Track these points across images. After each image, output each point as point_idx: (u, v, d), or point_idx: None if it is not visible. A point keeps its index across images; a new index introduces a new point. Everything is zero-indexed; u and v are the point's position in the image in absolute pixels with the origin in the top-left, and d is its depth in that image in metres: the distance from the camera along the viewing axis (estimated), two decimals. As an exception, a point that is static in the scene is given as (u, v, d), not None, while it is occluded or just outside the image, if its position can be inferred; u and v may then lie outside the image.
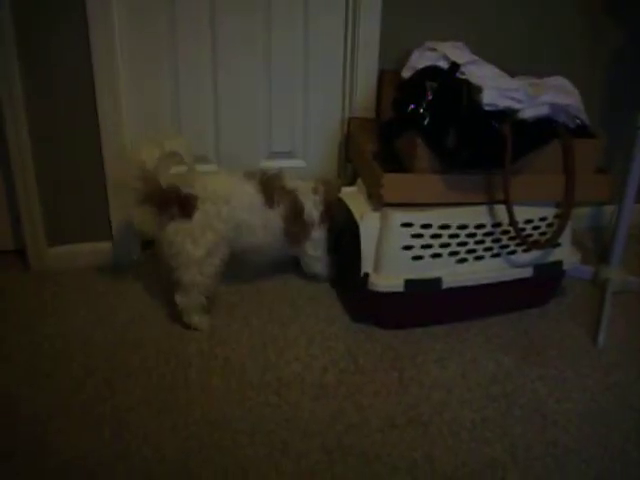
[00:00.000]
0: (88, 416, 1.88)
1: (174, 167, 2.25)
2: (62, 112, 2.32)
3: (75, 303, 2.35)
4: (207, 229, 2.18)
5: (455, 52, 2.28)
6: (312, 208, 2.39)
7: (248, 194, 2.28)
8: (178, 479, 1.72)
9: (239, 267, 2.39)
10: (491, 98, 2.05)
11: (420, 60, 2.28)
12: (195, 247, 2.16)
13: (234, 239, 2.25)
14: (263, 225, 2.30)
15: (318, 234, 2.43)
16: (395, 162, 2.18)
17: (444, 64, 2.22)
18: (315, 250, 2.45)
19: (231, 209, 2.22)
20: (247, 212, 2.26)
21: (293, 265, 2.55)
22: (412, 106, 2.10)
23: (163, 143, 2.17)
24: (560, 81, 2.30)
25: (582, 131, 2.23)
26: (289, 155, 2.64)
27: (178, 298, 2.22)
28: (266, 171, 2.37)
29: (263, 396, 1.98)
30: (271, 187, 2.31)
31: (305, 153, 2.65)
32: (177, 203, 2.16)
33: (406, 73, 2.28)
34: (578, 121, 2.22)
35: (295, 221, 2.36)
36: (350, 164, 2.61)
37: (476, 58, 2.29)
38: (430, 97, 2.10)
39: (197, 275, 2.19)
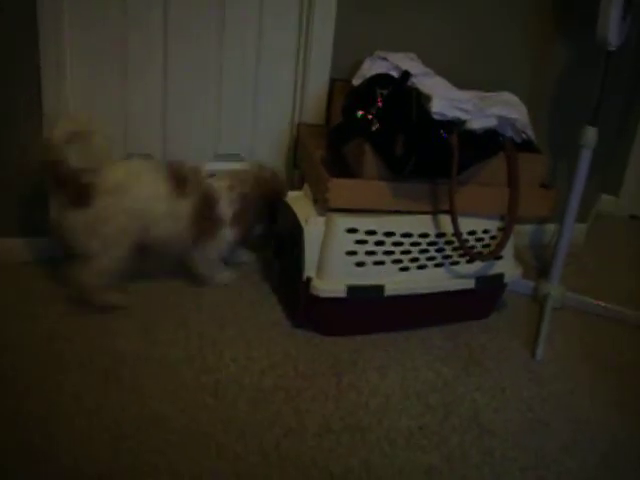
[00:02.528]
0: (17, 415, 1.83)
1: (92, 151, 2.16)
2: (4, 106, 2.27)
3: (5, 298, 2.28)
4: (106, 221, 2.12)
5: (407, 63, 2.29)
6: (226, 205, 2.31)
7: (153, 182, 2.20)
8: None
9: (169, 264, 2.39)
10: (440, 107, 2.07)
11: (371, 69, 2.29)
12: (90, 240, 2.12)
13: (141, 231, 2.19)
14: (169, 214, 2.21)
15: (226, 235, 2.33)
16: (343, 168, 2.18)
17: (395, 73, 2.23)
18: (214, 251, 2.35)
19: (131, 199, 2.15)
20: (149, 201, 2.18)
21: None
22: (361, 112, 2.11)
23: (71, 121, 2.13)
24: (508, 96, 2.33)
25: (528, 146, 2.27)
26: (237, 158, 2.60)
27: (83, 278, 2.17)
28: (185, 163, 2.30)
29: (199, 397, 1.94)
30: (183, 176, 2.24)
31: (253, 156, 2.61)
32: (76, 190, 2.09)
33: (357, 81, 2.29)
34: (524, 136, 2.25)
35: (205, 215, 2.27)
36: (298, 170, 2.59)
37: (427, 70, 2.32)
38: (380, 104, 2.10)
39: (96, 268, 2.15)
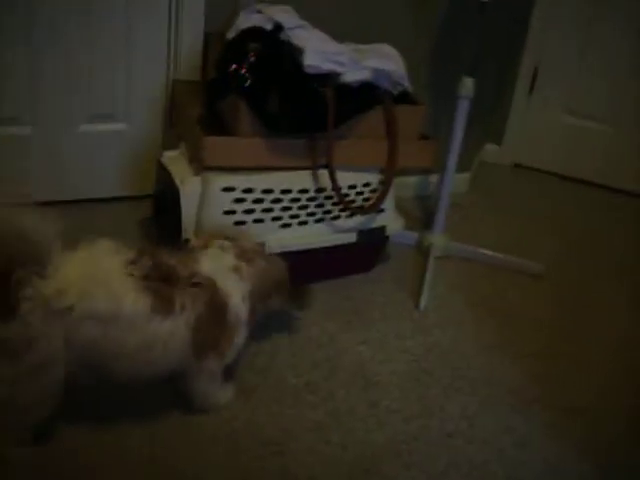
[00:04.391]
0: None
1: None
2: None
3: None
4: (31, 342, 1.46)
5: (282, 15, 2.23)
6: (239, 301, 1.71)
7: (120, 296, 1.52)
8: None
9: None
10: (313, 60, 2.03)
11: (246, 22, 2.22)
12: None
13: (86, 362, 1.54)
14: (150, 342, 1.57)
15: (240, 336, 1.76)
16: (219, 125, 2.12)
17: (270, 26, 2.17)
18: (221, 362, 1.75)
19: (81, 318, 1.48)
20: (116, 327, 1.53)
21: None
22: (234, 67, 2.05)
23: None
24: (385, 48, 2.31)
25: (405, 98, 2.26)
26: (110, 118, 2.51)
27: None
28: (164, 252, 1.67)
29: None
30: (168, 279, 1.60)
31: (127, 116, 2.52)
32: None
33: (231, 34, 2.22)
34: (401, 87, 2.24)
35: (213, 324, 1.66)
36: (174, 129, 2.52)
37: (303, 22, 2.26)
38: (252, 58, 2.05)
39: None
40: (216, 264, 1.72)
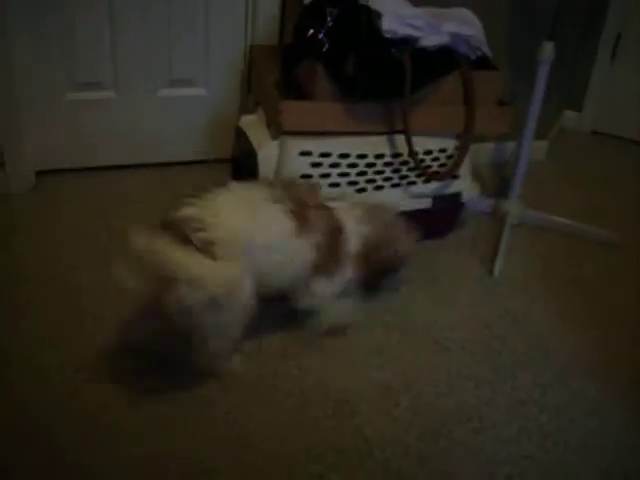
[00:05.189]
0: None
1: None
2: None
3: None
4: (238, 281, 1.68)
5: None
6: (352, 238, 1.92)
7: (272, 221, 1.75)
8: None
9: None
10: (390, 25, 2.02)
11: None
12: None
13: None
14: (289, 260, 1.80)
15: (346, 272, 1.94)
16: (295, 90, 2.14)
17: (348, -10, 2.18)
18: (329, 288, 1.91)
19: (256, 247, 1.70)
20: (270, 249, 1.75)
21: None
22: (312, 32, 2.06)
23: None
24: (463, 12, 2.28)
25: (483, 63, 2.23)
26: (190, 83, 2.55)
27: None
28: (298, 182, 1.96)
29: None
30: (303, 205, 1.80)
31: (206, 81, 2.57)
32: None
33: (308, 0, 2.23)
34: (479, 52, 2.22)
35: (329, 250, 1.85)
36: (252, 93, 2.55)
37: (380, -14, 2.26)
38: (330, 23, 2.05)
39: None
40: (337, 204, 1.94)
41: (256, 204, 1.73)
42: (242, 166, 2.29)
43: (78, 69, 2.40)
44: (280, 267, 1.77)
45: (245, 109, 2.51)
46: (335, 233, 1.86)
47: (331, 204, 1.92)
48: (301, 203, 1.78)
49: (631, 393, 1.91)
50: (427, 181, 2.27)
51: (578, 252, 2.49)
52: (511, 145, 2.83)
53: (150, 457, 1.58)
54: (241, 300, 1.65)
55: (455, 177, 2.30)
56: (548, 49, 2.33)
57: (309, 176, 2.12)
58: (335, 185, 2.16)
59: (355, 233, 1.92)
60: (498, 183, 2.83)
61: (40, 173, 2.49)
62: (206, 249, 1.59)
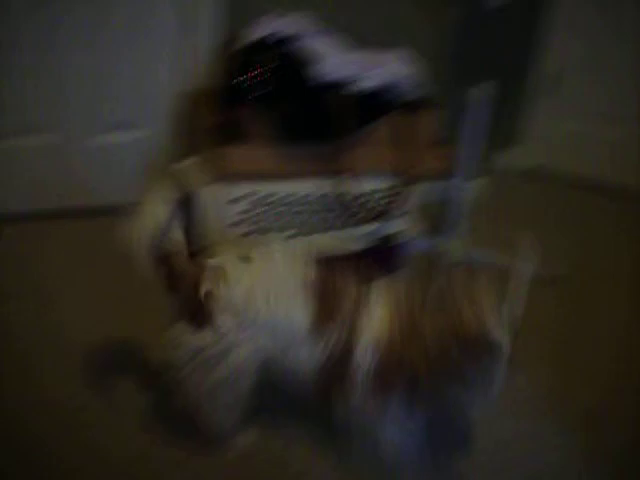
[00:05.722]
0: None
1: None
2: None
3: None
4: (225, 352, 1.58)
5: (300, 23, 2.25)
6: (365, 346, 1.55)
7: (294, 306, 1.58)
8: None
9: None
10: (326, 68, 2.04)
11: (263, 29, 2.24)
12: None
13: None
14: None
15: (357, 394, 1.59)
16: (232, 134, 2.13)
17: (287, 34, 2.18)
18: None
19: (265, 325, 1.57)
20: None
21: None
22: (250, 75, 2.07)
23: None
24: (399, 53, 2.31)
25: (420, 104, 2.25)
26: (127, 126, 2.53)
27: None
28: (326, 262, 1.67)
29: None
30: (334, 287, 1.61)
31: (144, 124, 2.55)
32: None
33: (248, 42, 2.23)
34: (416, 93, 2.24)
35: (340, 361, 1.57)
36: (190, 138, 2.53)
37: (318, 30, 2.27)
38: (269, 66, 2.06)
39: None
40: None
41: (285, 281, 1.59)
42: (179, 212, 2.25)
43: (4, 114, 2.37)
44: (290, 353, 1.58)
45: (182, 154, 2.48)
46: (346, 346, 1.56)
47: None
48: (335, 294, 1.59)
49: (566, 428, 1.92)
50: (368, 222, 2.26)
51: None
52: (451, 184, 2.85)
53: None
54: (235, 360, 1.56)
55: (396, 217, 2.30)
56: (484, 89, 2.37)
57: (242, 222, 2.10)
58: (274, 230, 2.14)
59: (368, 342, 1.55)
60: (439, 222, 2.84)
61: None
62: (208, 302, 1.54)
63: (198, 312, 1.54)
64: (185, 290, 1.56)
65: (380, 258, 2.39)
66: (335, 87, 2.06)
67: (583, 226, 3.05)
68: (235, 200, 2.09)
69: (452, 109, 2.59)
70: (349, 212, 2.23)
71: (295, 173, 2.13)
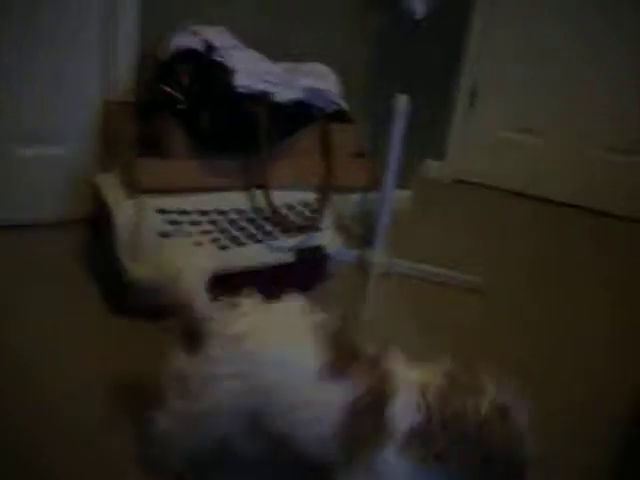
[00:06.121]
0: None
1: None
2: None
3: None
4: (208, 381, 1.51)
5: (216, 36, 2.24)
6: (402, 409, 1.39)
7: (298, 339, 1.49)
8: None
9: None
10: (244, 80, 2.04)
11: (180, 43, 2.23)
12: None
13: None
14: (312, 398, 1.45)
15: (390, 455, 1.40)
16: (151, 147, 2.10)
17: (203, 47, 2.17)
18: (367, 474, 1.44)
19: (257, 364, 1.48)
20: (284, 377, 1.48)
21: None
22: (167, 88, 2.05)
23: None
24: (319, 67, 2.34)
25: (340, 116, 2.27)
26: (45, 141, 2.46)
27: None
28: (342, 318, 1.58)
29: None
30: (349, 344, 1.50)
31: (62, 139, 2.48)
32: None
33: (164, 56, 2.22)
34: (335, 106, 2.26)
35: (367, 414, 1.42)
36: (108, 151, 2.49)
37: (236, 42, 2.27)
38: (185, 80, 2.05)
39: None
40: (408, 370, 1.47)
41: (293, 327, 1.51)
42: (100, 227, 2.22)
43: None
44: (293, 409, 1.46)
45: (102, 167, 2.44)
46: (378, 394, 1.42)
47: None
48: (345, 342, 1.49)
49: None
50: (289, 235, 2.26)
51: (442, 298, 2.54)
52: (375, 195, 2.88)
53: None
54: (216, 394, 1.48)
55: (318, 229, 2.30)
56: (402, 102, 2.40)
57: (167, 234, 2.07)
58: (197, 244, 2.12)
59: (409, 403, 1.40)
60: (363, 233, 2.86)
61: None
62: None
63: (193, 336, 1.49)
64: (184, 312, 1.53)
65: (306, 270, 2.39)
66: (256, 99, 2.05)
67: (511, 232, 3.12)
68: (163, 211, 2.06)
69: (373, 122, 2.62)
70: (272, 224, 2.22)
71: (216, 186, 2.11)
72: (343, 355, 1.45)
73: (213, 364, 1.46)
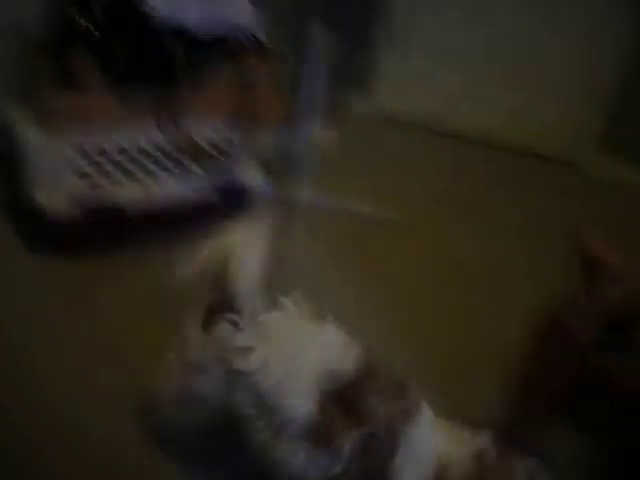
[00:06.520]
0: None
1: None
2: None
3: None
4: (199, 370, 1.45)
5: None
6: None
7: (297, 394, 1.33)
8: None
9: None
10: (164, 11, 2.00)
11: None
12: None
13: None
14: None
15: None
16: (66, 83, 2.06)
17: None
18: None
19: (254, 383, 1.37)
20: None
21: None
22: (81, 21, 2.00)
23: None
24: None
25: (258, 49, 2.25)
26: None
27: None
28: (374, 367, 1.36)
29: None
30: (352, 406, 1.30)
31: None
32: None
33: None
34: (254, 40, 2.24)
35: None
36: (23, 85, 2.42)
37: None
38: (99, 13, 2.01)
39: None
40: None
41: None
42: (11, 167, 2.16)
43: None
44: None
45: (17, 102, 2.37)
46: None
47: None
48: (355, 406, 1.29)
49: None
50: (208, 170, 2.25)
51: (365, 235, 2.57)
52: (294, 131, 2.87)
53: None
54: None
55: (237, 163, 2.29)
56: (321, 36, 2.37)
57: (87, 174, 2.04)
58: (111, 176, 2.10)
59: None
60: (285, 170, 2.86)
61: None
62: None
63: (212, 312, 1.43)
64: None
65: (226, 205, 2.39)
66: (171, 31, 2.03)
67: (438, 171, 3.18)
68: (80, 148, 2.04)
69: (293, 59, 2.60)
70: (190, 158, 2.21)
71: (132, 120, 2.09)
72: (339, 415, 1.29)
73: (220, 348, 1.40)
